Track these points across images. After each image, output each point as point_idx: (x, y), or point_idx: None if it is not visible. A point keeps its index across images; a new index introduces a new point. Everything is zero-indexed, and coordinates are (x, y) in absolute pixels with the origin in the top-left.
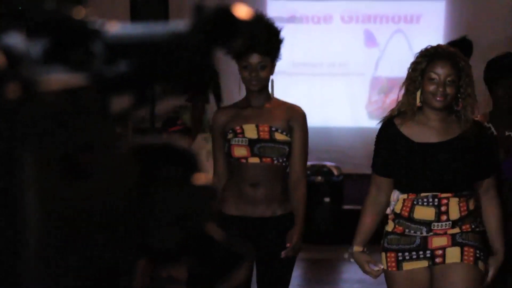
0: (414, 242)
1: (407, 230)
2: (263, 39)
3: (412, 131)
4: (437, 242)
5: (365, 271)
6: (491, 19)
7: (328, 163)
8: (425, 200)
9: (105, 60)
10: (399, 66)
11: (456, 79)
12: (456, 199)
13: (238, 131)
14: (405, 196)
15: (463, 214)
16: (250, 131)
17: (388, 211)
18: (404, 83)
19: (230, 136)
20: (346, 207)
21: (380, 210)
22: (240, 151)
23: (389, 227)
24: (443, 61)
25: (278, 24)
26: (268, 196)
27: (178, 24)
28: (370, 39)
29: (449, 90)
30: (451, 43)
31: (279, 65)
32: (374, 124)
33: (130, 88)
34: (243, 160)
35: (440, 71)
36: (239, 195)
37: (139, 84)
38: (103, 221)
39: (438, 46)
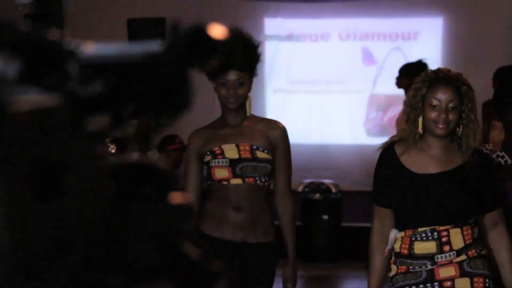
0: (421, 276)
1: (411, 267)
2: (241, 55)
3: (413, 160)
4: (445, 272)
5: None
6: (489, 35)
7: (326, 181)
8: (423, 235)
9: (80, 80)
10: None
11: (458, 105)
12: (458, 230)
13: (217, 152)
14: (402, 233)
15: (467, 242)
16: (230, 151)
17: (386, 251)
18: (404, 109)
19: (208, 158)
20: (344, 224)
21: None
22: (221, 173)
23: (392, 271)
24: (444, 86)
25: (255, 40)
26: (252, 221)
27: (154, 44)
28: (368, 57)
29: (451, 116)
30: (407, 65)
31: (277, 83)
32: (373, 141)
33: (106, 108)
34: (225, 182)
35: (442, 97)
36: (220, 217)
37: (114, 104)
38: (78, 240)
39: (439, 70)
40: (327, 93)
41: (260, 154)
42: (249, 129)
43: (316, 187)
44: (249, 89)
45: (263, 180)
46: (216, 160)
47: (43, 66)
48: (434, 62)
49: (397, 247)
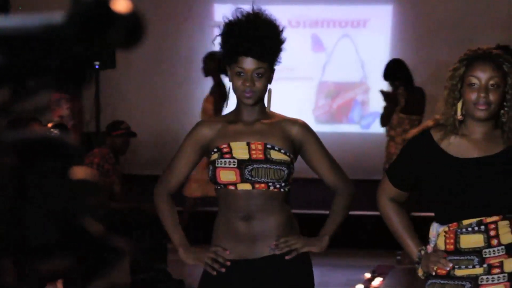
0: None
1: (456, 267)
2: (260, 41)
3: (453, 146)
4: None
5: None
6: (438, 22)
7: None
8: (469, 228)
9: None
10: (346, 71)
11: (500, 83)
12: (506, 222)
13: (225, 150)
14: (445, 228)
15: None
16: (240, 150)
17: (429, 249)
18: (444, 94)
19: (214, 156)
20: (292, 211)
21: (402, 211)
22: (227, 176)
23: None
24: (483, 63)
25: (279, 23)
26: (265, 232)
27: (54, 16)
28: (317, 44)
29: (492, 96)
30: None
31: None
32: (322, 128)
33: (6, 82)
34: (231, 187)
35: (481, 75)
36: (231, 233)
37: (14, 78)
38: None
39: (478, 48)
40: (276, 80)
41: (275, 155)
42: (264, 126)
43: None
44: (269, 80)
45: (278, 186)
46: (223, 160)
47: None
48: (383, 49)
49: (441, 244)
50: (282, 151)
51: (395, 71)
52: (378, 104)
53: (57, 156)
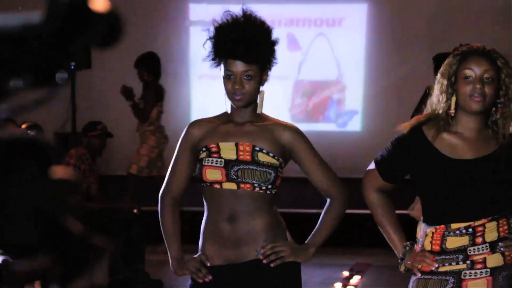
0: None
1: (441, 265)
2: (248, 43)
3: (446, 144)
4: (474, 286)
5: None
6: (413, 21)
7: None
8: (457, 231)
9: None
10: (321, 69)
11: (494, 78)
12: (494, 223)
13: (213, 149)
14: (433, 229)
15: (502, 235)
16: (228, 150)
17: (417, 249)
18: (436, 89)
19: (202, 155)
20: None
21: (389, 205)
22: (213, 174)
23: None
24: (478, 57)
25: (267, 25)
26: (251, 234)
27: (32, 15)
28: (292, 43)
29: (487, 89)
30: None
31: (202, 69)
32: (298, 127)
33: None
34: (217, 186)
35: (476, 68)
36: (216, 237)
37: None
38: None
39: (472, 44)
40: None
41: (263, 157)
42: (255, 128)
43: None
44: (261, 82)
45: (264, 188)
46: (210, 159)
47: None
48: (359, 48)
49: (427, 245)
50: (271, 154)
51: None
52: (354, 103)
53: (36, 156)
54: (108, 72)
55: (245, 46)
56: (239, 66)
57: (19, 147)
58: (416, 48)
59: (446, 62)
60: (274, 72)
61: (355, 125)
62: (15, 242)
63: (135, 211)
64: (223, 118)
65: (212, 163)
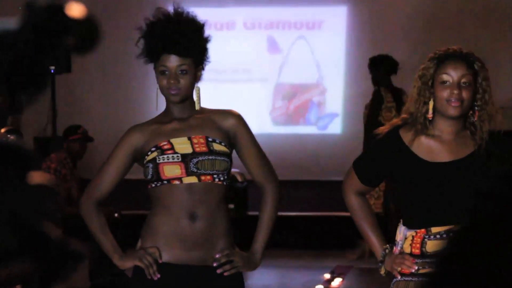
0: None
1: (421, 268)
2: (181, 37)
3: (423, 148)
4: None
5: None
6: (392, 24)
7: (232, 170)
8: (438, 235)
9: None
10: (302, 72)
11: (472, 82)
12: None
13: (166, 147)
14: (413, 233)
15: None
16: (182, 145)
17: (396, 251)
18: (412, 93)
19: (153, 155)
20: (250, 213)
21: (369, 208)
22: (172, 170)
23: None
24: (455, 61)
25: (199, 20)
26: (211, 233)
27: (7, 22)
28: (273, 46)
29: (465, 94)
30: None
31: None
32: (279, 130)
33: None
34: (176, 182)
35: (453, 73)
36: (172, 233)
37: None
38: None
39: (449, 47)
40: (233, 82)
41: (217, 147)
42: (200, 121)
43: None
44: (196, 78)
45: (222, 179)
46: (165, 156)
47: None
48: (339, 51)
49: (406, 248)
50: (223, 143)
51: None
52: (334, 105)
53: (14, 162)
54: (88, 76)
55: (179, 39)
56: (173, 61)
57: None
58: (396, 49)
59: (422, 65)
60: (255, 75)
61: (335, 127)
62: None
63: (115, 215)
64: (164, 118)
65: (168, 159)
